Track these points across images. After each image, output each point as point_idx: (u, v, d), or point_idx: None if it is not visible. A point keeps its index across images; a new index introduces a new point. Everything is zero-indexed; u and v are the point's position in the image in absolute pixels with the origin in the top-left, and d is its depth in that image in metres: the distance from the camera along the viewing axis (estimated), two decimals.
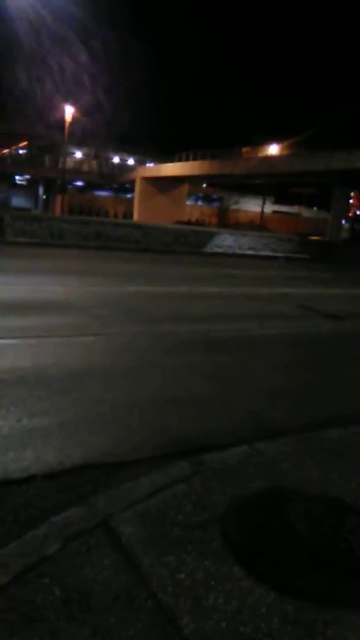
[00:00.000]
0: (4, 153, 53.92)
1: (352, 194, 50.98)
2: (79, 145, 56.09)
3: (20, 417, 3.66)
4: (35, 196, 56.13)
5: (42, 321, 6.66)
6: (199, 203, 66.80)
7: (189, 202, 57.73)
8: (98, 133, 50.37)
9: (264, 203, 50.97)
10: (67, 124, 46.77)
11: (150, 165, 54.75)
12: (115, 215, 52.26)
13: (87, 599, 1.99)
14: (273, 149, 41.61)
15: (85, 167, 58.49)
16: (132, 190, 55.10)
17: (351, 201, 53.40)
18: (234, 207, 62.37)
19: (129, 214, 52.27)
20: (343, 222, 44.37)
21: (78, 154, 58.50)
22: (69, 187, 53.15)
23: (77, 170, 56.44)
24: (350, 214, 54.06)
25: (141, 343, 6.07)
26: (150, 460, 3.24)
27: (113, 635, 1.84)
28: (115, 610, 1.95)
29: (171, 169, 47.73)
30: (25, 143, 54.73)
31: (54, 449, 3.29)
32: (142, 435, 3.58)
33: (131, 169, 57.13)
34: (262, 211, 50.56)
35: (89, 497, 2.72)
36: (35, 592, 2.00)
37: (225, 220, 57.87)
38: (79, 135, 49.74)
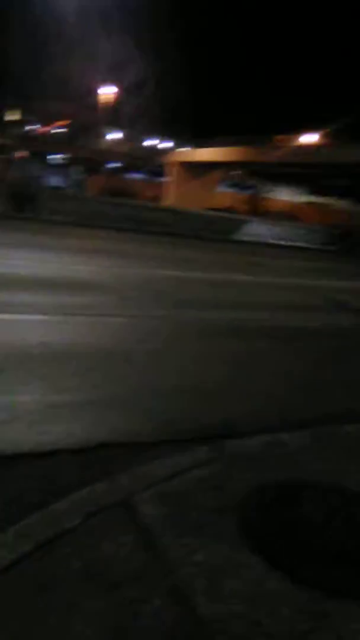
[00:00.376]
0: (42, 132, 54.17)
1: None
2: (116, 126, 56.00)
3: (47, 393, 3.74)
4: (70, 176, 56.32)
5: (71, 299, 6.74)
6: (231, 190, 66.17)
7: (220, 189, 57.29)
8: (135, 115, 50.19)
9: (297, 193, 50.32)
10: (105, 106, 46.73)
11: (184, 149, 54.44)
12: (148, 199, 52.19)
13: (104, 573, 2.04)
14: (308, 138, 40.93)
15: (120, 149, 58.42)
16: (165, 174, 54.91)
17: None
18: (266, 195, 61.69)
19: (160, 198, 52.12)
20: None
21: (114, 136, 58.43)
22: (104, 168, 53.17)
23: (112, 152, 56.40)
24: None
25: (168, 327, 6.11)
26: (172, 443, 3.27)
27: (128, 610, 1.89)
28: (131, 586, 1.99)
29: (205, 154, 47.36)
30: (63, 123, 54.88)
31: (80, 426, 3.35)
32: (165, 418, 3.62)
33: (165, 152, 56.87)
34: (295, 201, 49.92)
35: (111, 474, 2.77)
36: (55, 563, 2.06)
37: (257, 209, 57.26)
38: (117, 116, 49.71)
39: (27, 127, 51.94)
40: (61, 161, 55.95)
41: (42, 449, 3.04)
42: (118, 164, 58.21)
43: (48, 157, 53.55)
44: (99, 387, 3.98)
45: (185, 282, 9.43)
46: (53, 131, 55.73)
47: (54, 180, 52.79)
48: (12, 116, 46.54)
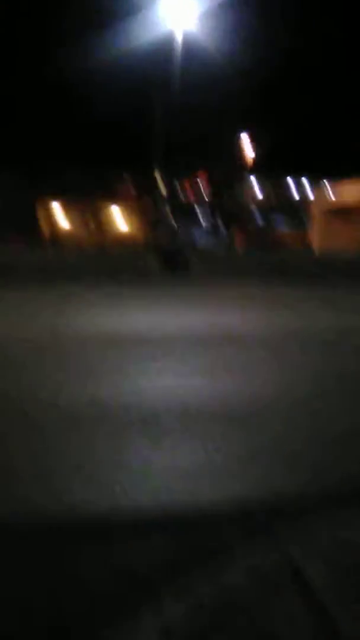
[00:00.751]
0: (185, 190, 57.00)
1: None
2: (258, 176, 57.12)
3: (205, 449, 3.77)
4: (216, 230, 58.18)
5: (228, 355, 6.82)
6: None
7: None
8: (278, 162, 50.88)
9: None
10: (247, 156, 48.06)
11: (328, 189, 53.68)
12: (295, 247, 51.85)
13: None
14: None
15: (264, 199, 59.30)
16: (310, 219, 54.41)
17: None
18: None
19: (308, 245, 51.50)
20: None
21: (257, 186, 59.57)
22: (249, 220, 54.18)
23: (257, 203, 57.40)
24: None
25: (329, 381, 5.87)
26: (338, 506, 3.10)
27: None
28: None
29: (354, 191, 46.09)
30: (205, 179, 57.30)
31: (239, 484, 3.32)
32: (333, 479, 3.45)
33: (309, 194, 56.53)
34: None
35: (274, 538, 2.68)
36: (220, 622, 2.03)
37: None
38: (260, 166, 50.78)
39: (173, 184, 55.00)
40: (207, 215, 58.13)
41: (203, 513, 3.04)
42: (261, 213, 58.94)
43: (195, 212, 55.96)
44: (257, 444, 3.92)
45: (349, 332, 8.82)
46: (198, 186, 58.34)
47: (201, 236, 54.94)
48: (159, 175, 49.64)
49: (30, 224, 50.40)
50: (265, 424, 4.36)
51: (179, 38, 20.36)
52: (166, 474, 3.44)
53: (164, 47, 22.78)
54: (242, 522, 2.93)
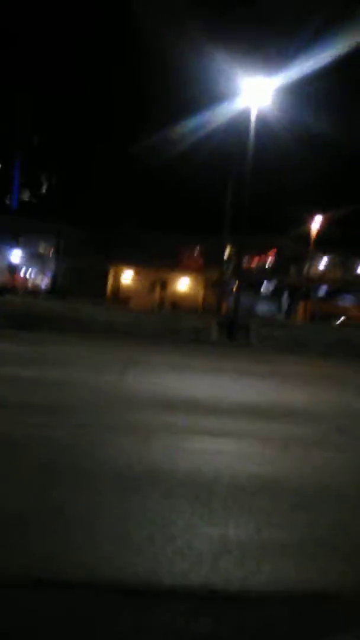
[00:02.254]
0: (251, 263, 57.77)
1: None
2: (324, 253, 57.33)
3: (259, 528, 3.62)
4: (279, 303, 58.23)
5: (284, 428, 6.66)
6: None
7: None
8: (344, 240, 51.01)
9: None
10: (313, 235, 48.53)
11: None
12: (358, 320, 50.90)
13: None
14: None
15: (329, 275, 59.18)
16: None
17: None
18: None
19: None
20: None
21: (323, 262, 59.65)
22: (313, 294, 54.00)
23: (322, 278, 57.34)
24: None
25: None
26: None
27: None
28: None
29: None
30: (271, 253, 58.01)
31: (292, 569, 3.14)
32: None
33: None
34: None
35: (329, 632, 2.50)
36: None
37: None
38: (325, 243, 51.05)
39: (241, 256, 55.96)
40: (271, 289, 58.44)
41: (250, 590, 2.89)
42: (327, 289, 58.67)
43: (260, 286, 56.40)
44: (311, 526, 3.74)
45: None
46: (263, 261, 59.05)
47: (265, 308, 55.12)
48: (228, 246, 50.64)
49: (102, 287, 52.26)
50: (322, 507, 4.16)
51: (253, 113, 21.17)
52: (215, 548, 3.32)
53: (241, 122, 23.75)
54: (289, 605, 2.77)
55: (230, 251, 47.37)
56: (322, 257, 58.36)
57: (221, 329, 20.33)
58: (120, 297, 53.86)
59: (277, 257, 58.19)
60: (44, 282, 57.02)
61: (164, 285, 56.12)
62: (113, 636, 2.44)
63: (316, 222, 48.72)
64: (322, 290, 56.76)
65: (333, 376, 13.47)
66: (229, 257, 47.10)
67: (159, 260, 53.77)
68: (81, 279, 50.78)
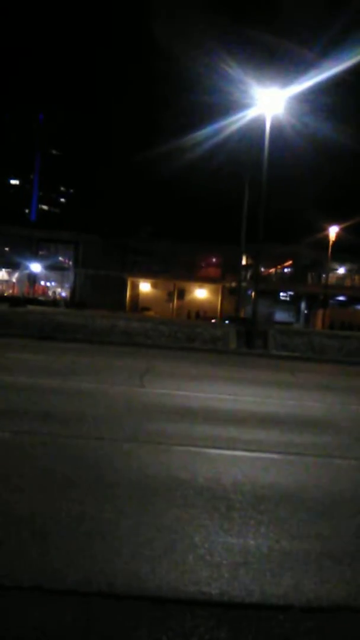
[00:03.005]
0: (269, 272, 57.68)
1: None
2: (342, 261, 57.04)
3: (279, 538, 3.62)
4: (297, 311, 57.99)
5: (303, 438, 6.63)
6: None
7: None
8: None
9: None
10: (330, 242, 48.31)
11: None
12: None
13: None
14: None
15: (347, 282, 58.82)
16: None
17: None
18: None
19: None
20: None
21: (341, 270, 59.33)
22: (331, 302, 53.73)
23: (340, 286, 57.03)
24: None
25: None
26: None
27: None
28: None
29: None
30: (290, 262, 57.86)
31: (313, 580, 3.14)
32: None
33: None
34: None
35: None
36: None
37: None
38: (343, 251, 50.81)
39: (258, 265, 55.87)
40: (288, 298, 58.24)
41: (273, 601, 2.90)
42: (346, 297, 58.33)
43: (278, 294, 56.24)
44: (333, 537, 3.72)
45: None
46: (280, 270, 58.90)
47: (282, 316, 54.95)
48: (244, 260, 50.64)
49: (121, 296, 52.54)
50: (342, 517, 4.14)
51: (267, 122, 21.19)
52: (234, 558, 3.33)
53: (255, 131, 23.80)
54: (310, 617, 2.77)
55: (248, 260, 47.33)
56: (339, 265, 58.05)
57: (239, 337, 20.30)
58: (139, 306, 54.10)
59: (295, 265, 58.00)
60: (63, 292, 57.53)
61: (182, 294, 56.21)
62: None
63: (333, 230, 48.51)
64: (342, 298, 56.37)
65: (352, 384, 13.37)
66: (246, 265, 47.07)
67: (176, 270, 53.94)
68: (100, 288, 51.16)
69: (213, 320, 41.25)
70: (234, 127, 26.26)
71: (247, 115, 23.69)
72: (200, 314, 52.81)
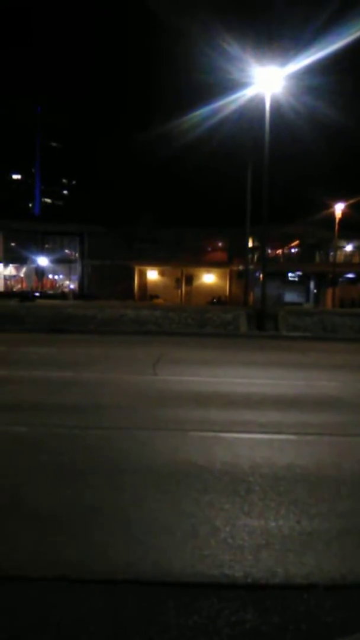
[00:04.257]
0: (277, 253, 57.34)
1: None
2: (349, 238, 56.55)
3: (300, 519, 3.63)
4: (307, 291, 57.71)
5: (318, 417, 6.63)
6: None
7: None
8: None
9: None
10: (337, 220, 47.87)
11: None
12: None
13: None
14: None
15: (355, 260, 58.37)
16: None
17: None
18: None
19: None
20: None
21: (348, 247, 58.88)
22: (340, 280, 53.38)
23: (349, 263, 56.62)
24: None
25: None
26: None
27: None
28: None
29: None
30: (296, 242, 57.47)
31: (336, 558, 3.15)
32: None
33: None
34: None
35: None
36: None
37: None
38: (349, 229, 50.36)
39: (264, 250, 55.60)
40: (297, 278, 57.96)
41: (297, 581, 2.92)
42: (355, 275, 57.92)
43: (286, 275, 55.96)
44: (353, 515, 3.73)
45: None
46: (288, 251, 58.54)
47: (292, 297, 54.72)
48: (251, 242, 50.41)
49: (129, 286, 52.53)
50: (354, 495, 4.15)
51: (267, 101, 20.91)
52: (256, 540, 3.35)
53: (255, 111, 23.49)
54: (332, 594, 2.78)
55: (254, 242, 47.07)
56: (346, 242, 57.58)
57: (250, 320, 20.26)
58: (148, 294, 54.09)
59: (302, 244, 57.63)
60: (71, 284, 57.62)
61: (190, 280, 56.08)
62: (159, 629, 2.49)
63: (339, 208, 48.06)
64: (351, 276, 55.98)
65: None
66: (253, 248, 46.81)
67: (183, 256, 53.79)
68: (107, 279, 51.14)
69: (223, 305, 41.14)
70: (233, 106, 25.93)
71: (246, 95, 23.38)
72: (219, 299, 52.57)
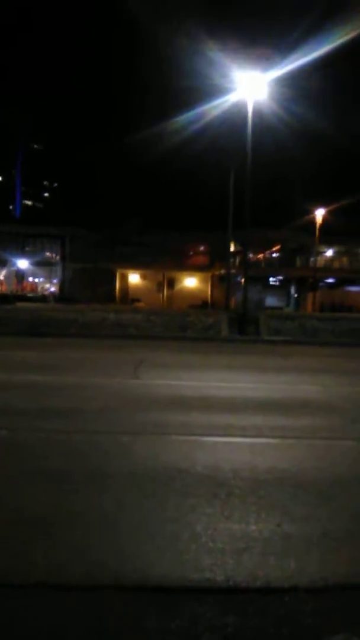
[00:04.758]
0: (258, 257, 57.66)
1: None
2: (330, 244, 57.12)
3: (280, 522, 3.65)
4: (287, 295, 58.13)
5: (300, 421, 6.67)
6: None
7: None
8: (349, 230, 50.83)
9: None
10: (318, 226, 48.37)
11: None
12: None
13: None
14: None
15: (335, 265, 58.95)
16: None
17: None
18: None
19: None
20: None
21: (329, 253, 59.46)
22: (320, 284, 53.85)
23: (328, 268, 57.17)
24: None
25: None
26: None
27: None
28: None
29: None
30: (278, 247, 57.86)
31: (316, 561, 3.17)
32: None
33: None
34: None
35: (356, 624, 2.53)
36: None
37: None
38: (329, 234, 50.88)
39: (246, 255, 55.89)
40: (278, 283, 58.34)
41: (277, 584, 2.92)
42: (335, 279, 58.49)
43: (267, 279, 56.27)
44: (334, 518, 3.76)
45: None
46: (269, 256, 58.91)
47: (273, 301, 55.05)
48: (233, 247, 50.62)
49: (110, 289, 52.36)
50: (342, 498, 4.18)
51: (249, 107, 21.07)
52: (237, 544, 3.35)
53: (237, 116, 23.64)
54: (313, 597, 2.79)
55: (236, 247, 47.29)
56: (327, 248, 58.14)
57: (231, 324, 20.34)
58: (129, 298, 53.98)
59: (283, 249, 58.03)
60: (52, 287, 57.26)
61: (172, 284, 56.12)
62: (140, 634, 2.48)
63: (319, 213, 48.54)
64: (331, 280, 56.45)
65: (345, 366, 13.44)
66: (234, 252, 47.03)
67: (164, 260, 53.80)
68: (89, 282, 50.92)
69: (205, 308, 41.21)
70: (216, 112, 26.06)
71: (228, 100, 23.52)
72: (205, 303, 52.58)
